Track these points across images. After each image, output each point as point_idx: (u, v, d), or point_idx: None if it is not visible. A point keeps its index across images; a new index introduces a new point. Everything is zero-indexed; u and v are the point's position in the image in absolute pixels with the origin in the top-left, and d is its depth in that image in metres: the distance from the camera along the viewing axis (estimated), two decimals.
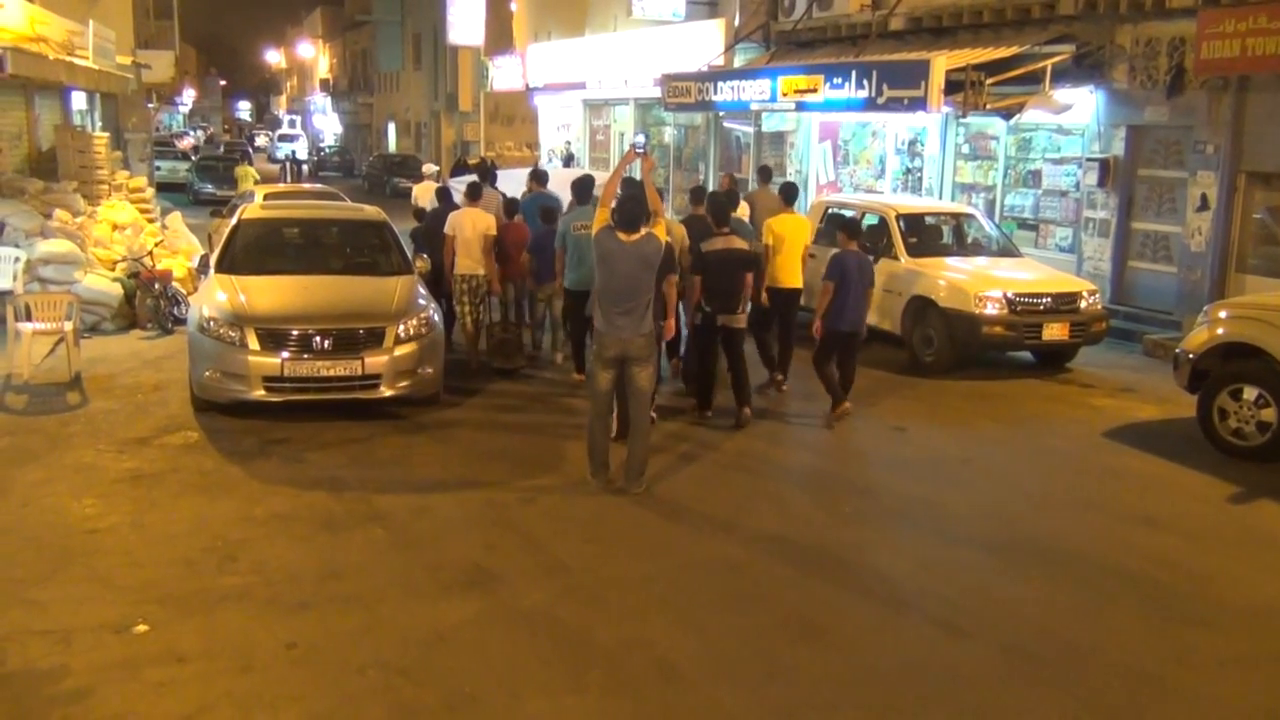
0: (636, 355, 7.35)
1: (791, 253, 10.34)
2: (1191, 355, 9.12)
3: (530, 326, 11.92)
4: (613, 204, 7.50)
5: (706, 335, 9.29)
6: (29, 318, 10.14)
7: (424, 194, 16.12)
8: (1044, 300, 11.31)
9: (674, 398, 9.98)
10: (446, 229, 10.85)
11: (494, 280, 10.98)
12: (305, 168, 43.47)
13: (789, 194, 11.09)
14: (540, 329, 11.99)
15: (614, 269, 7.24)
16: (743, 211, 11.54)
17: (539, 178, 12.80)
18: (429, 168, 18.75)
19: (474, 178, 12.38)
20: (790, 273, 10.38)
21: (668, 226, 8.35)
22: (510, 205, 11.84)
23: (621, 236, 7.24)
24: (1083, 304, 11.48)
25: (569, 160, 25.31)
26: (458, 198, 11.90)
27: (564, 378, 10.77)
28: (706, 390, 9.50)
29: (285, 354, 8.53)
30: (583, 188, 10.52)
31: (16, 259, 12.50)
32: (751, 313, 9.54)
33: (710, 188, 15.90)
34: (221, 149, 47.50)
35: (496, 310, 11.68)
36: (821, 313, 9.36)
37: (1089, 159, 14.33)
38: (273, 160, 41.29)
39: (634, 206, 7.32)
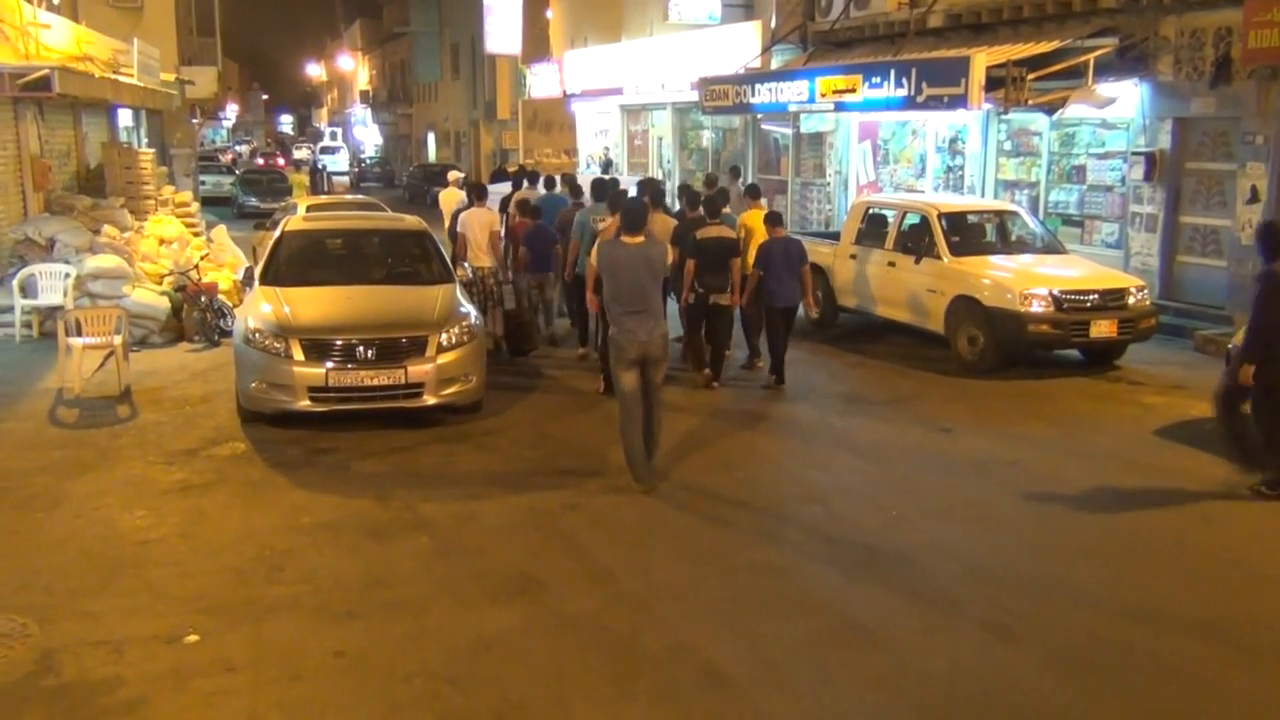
0: (655, 355, 7.63)
1: (759, 243, 11.03)
2: None
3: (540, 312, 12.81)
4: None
5: (699, 312, 10.67)
6: (79, 332, 10.30)
7: (449, 200, 16.40)
8: (1091, 297, 11.14)
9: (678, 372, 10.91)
10: (458, 228, 12.33)
11: (503, 270, 12.32)
12: (332, 178, 44.10)
13: (754, 192, 12.37)
14: (535, 312, 12.68)
15: (621, 275, 7.56)
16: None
17: (549, 183, 14.58)
18: (454, 174, 19.23)
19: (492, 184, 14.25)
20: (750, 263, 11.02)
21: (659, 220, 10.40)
22: (524, 205, 13.10)
23: (625, 240, 7.60)
24: (1131, 300, 11.30)
25: (607, 166, 25.31)
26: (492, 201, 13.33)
27: (581, 365, 11.46)
28: (701, 358, 10.89)
29: (329, 364, 8.60)
30: (600, 186, 12.04)
31: (66, 275, 12.73)
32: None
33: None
34: (260, 160, 48.27)
35: (511, 299, 12.70)
36: (750, 293, 10.69)
37: (1134, 153, 14.11)
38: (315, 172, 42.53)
39: (636, 210, 7.83)
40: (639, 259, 7.53)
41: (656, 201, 11.69)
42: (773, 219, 11.06)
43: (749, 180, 21.76)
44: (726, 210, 11.57)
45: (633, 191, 11.77)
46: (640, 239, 7.61)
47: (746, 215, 11.70)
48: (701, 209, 10.97)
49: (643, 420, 7.73)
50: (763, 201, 12.25)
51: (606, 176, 14.64)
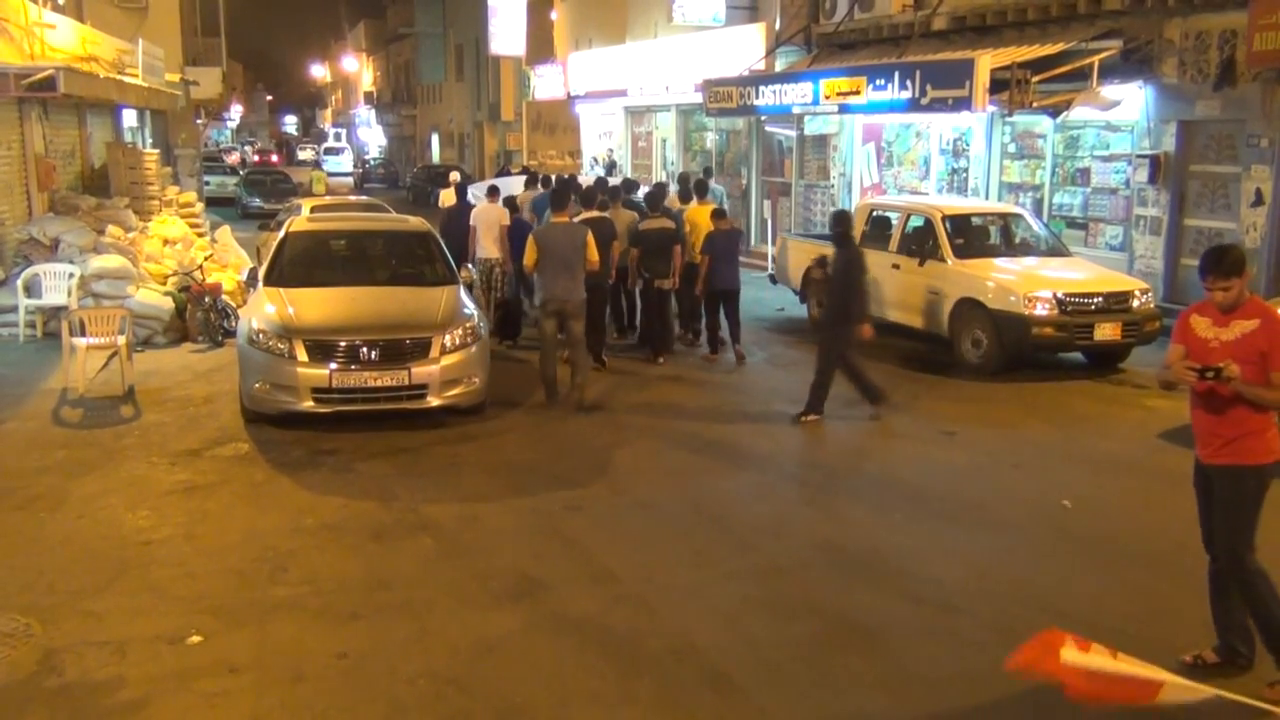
0: (573, 312, 9.80)
1: (700, 235, 12.01)
2: None
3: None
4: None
5: (646, 294, 12.15)
6: (83, 333, 10.31)
7: (448, 200, 16.84)
8: (1095, 300, 11.13)
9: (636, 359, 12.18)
10: (471, 221, 13.25)
11: (505, 262, 13.09)
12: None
13: (701, 189, 13.33)
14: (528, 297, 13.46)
15: (554, 250, 9.71)
16: (672, 202, 13.73)
17: (541, 182, 15.60)
18: (454, 175, 19.73)
19: (493, 182, 15.77)
20: (697, 251, 12.08)
21: (616, 214, 12.14)
22: (511, 202, 13.93)
23: (555, 221, 9.99)
24: (1135, 303, 11.28)
25: (611, 167, 25.32)
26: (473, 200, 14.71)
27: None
28: (655, 339, 12.12)
29: (333, 365, 8.61)
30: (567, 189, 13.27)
31: (71, 275, 12.74)
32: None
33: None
34: (256, 157, 48.68)
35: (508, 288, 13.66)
36: (703, 277, 11.74)
37: (1139, 155, 14.09)
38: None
39: (560, 193, 10.38)
40: (565, 237, 9.78)
41: (625, 196, 13.32)
42: (718, 213, 12.15)
43: (748, 181, 21.85)
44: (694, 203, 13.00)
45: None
46: (566, 218, 10.03)
47: (691, 210, 12.69)
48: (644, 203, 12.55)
49: (571, 361, 9.91)
50: (710, 197, 13.56)
51: (612, 179, 15.07)
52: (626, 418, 9.68)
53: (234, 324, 11.87)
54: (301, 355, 8.61)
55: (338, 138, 74.00)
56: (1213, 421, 5.10)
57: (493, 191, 13.69)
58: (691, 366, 11.96)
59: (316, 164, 45.59)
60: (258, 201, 31.14)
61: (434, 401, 8.89)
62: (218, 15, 33.11)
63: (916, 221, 12.63)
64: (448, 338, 8.95)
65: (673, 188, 14.76)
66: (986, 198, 16.20)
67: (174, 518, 7.05)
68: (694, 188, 13.44)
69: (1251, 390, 4.85)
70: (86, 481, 7.72)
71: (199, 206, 22.30)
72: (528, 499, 7.49)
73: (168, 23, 24.68)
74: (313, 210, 14.81)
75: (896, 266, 12.52)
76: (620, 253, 11.88)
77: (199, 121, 32.75)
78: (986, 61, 13.75)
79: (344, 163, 59.66)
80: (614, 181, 15.57)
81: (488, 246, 13.05)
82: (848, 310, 9.44)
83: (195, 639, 5.34)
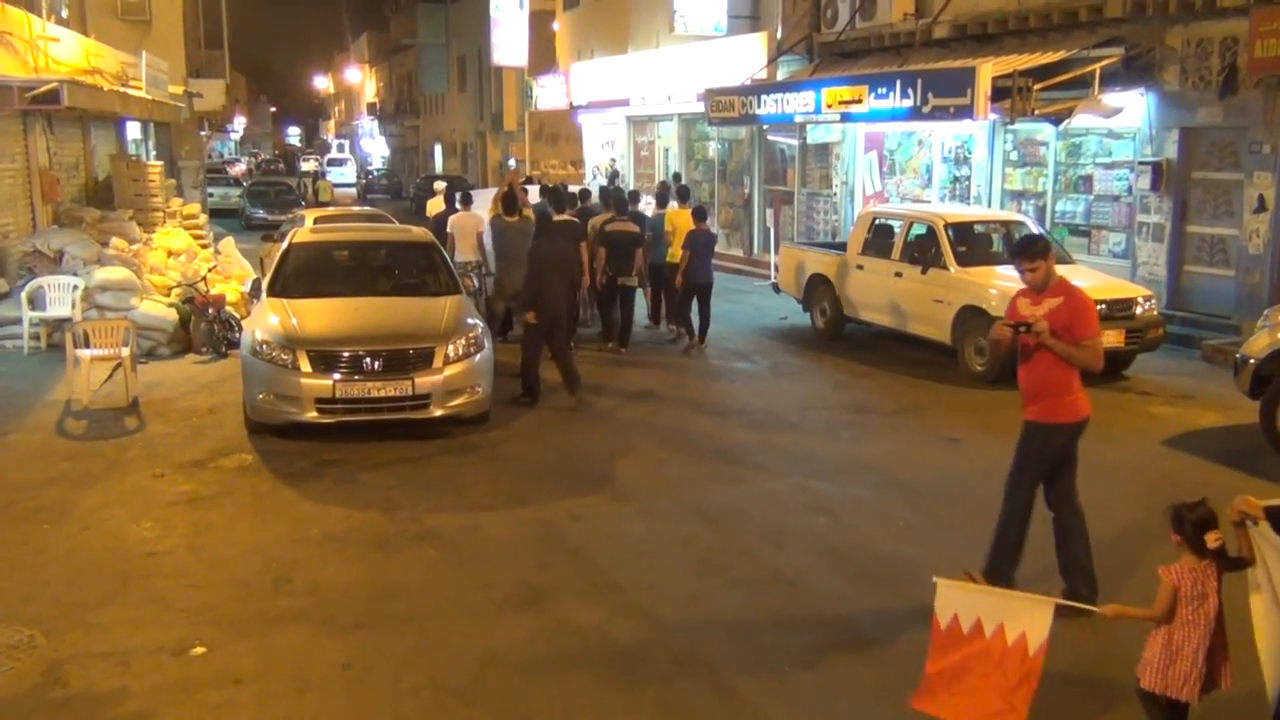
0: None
1: (681, 234, 13.19)
2: (1253, 360, 8.92)
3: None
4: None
5: (610, 292, 13.11)
6: (87, 344, 10.32)
7: (435, 208, 17.12)
8: (1098, 307, 11.06)
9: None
10: (448, 228, 14.05)
11: (486, 263, 13.96)
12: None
13: (683, 194, 14.46)
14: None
15: (509, 240, 11.84)
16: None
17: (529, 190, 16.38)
18: (439, 184, 20.40)
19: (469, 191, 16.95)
20: (676, 252, 13.33)
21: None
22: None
23: (506, 219, 12.04)
24: (1138, 310, 11.28)
25: (614, 177, 25.35)
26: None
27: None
28: (612, 329, 13.17)
29: (336, 375, 8.61)
30: (556, 194, 14.86)
31: (75, 287, 12.76)
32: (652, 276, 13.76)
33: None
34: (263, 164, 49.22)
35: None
36: (682, 272, 13.01)
37: (1141, 163, 14.09)
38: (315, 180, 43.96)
39: (511, 198, 12.49)
40: (519, 232, 11.71)
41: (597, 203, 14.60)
42: (698, 214, 13.21)
43: (751, 190, 21.91)
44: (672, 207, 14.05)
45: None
46: (516, 218, 12.05)
47: (673, 213, 13.79)
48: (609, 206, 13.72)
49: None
50: (688, 202, 14.43)
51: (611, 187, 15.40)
52: (629, 426, 9.68)
53: (238, 335, 11.88)
54: (305, 366, 8.62)
55: (341, 149, 74.15)
56: (1029, 382, 5.94)
57: (467, 199, 14.59)
58: (678, 362, 12.54)
59: (318, 174, 46.23)
60: (261, 212, 31.22)
61: (437, 411, 8.89)
62: (221, 27, 33.18)
63: (919, 230, 12.64)
64: (451, 347, 8.96)
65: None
66: (989, 205, 16.19)
67: (178, 529, 7.05)
68: (676, 193, 14.39)
69: (1059, 345, 5.72)
70: (90, 493, 7.73)
71: (203, 218, 22.36)
72: (531, 508, 7.49)
73: (171, 35, 24.76)
74: (316, 221, 14.85)
75: (899, 274, 12.53)
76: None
77: (203, 133, 32.85)
78: (988, 70, 13.77)
79: (347, 173, 59.80)
80: (595, 195, 16.60)
81: (465, 250, 13.92)
82: (535, 295, 10.21)
83: (199, 650, 5.34)
